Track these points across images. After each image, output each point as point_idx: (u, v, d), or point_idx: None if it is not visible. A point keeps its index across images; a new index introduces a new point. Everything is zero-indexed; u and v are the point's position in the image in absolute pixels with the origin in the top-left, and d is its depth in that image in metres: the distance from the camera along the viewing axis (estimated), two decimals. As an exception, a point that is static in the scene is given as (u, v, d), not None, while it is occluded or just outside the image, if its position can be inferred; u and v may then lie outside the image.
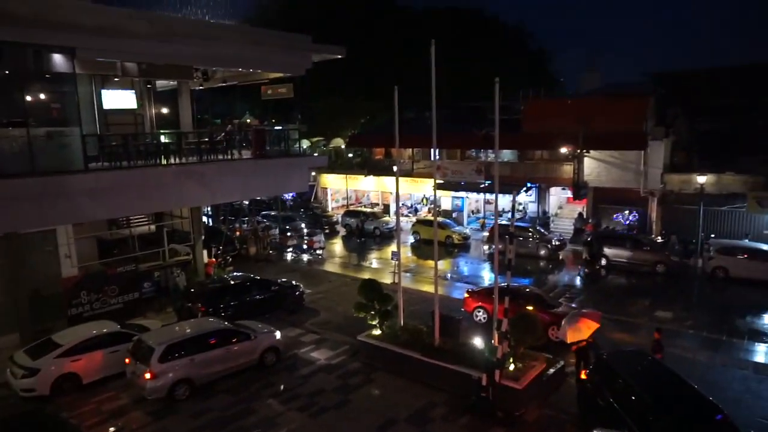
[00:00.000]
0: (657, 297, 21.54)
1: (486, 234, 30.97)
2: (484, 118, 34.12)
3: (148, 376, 13.28)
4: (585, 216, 31.44)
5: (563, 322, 14.44)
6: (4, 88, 15.50)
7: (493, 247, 16.67)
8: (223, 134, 20.29)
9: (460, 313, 18.52)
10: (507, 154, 34.76)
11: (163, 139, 19.69)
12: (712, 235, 26.20)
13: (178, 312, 18.81)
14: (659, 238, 27.92)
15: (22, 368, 13.80)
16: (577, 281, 24.48)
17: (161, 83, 22.46)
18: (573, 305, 18.30)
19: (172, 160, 17.74)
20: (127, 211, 18.02)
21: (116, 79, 19.19)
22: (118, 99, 20.25)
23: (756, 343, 16.79)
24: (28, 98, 15.20)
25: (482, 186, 33.55)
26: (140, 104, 21.17)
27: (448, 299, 21.03)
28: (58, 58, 14.85)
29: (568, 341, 13.87)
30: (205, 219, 33.03)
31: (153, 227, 22.10)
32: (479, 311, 18.80)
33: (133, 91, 20.50)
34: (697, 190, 25.45)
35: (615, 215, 30.69)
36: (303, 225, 33.08)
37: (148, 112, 21.77)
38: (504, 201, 31.78)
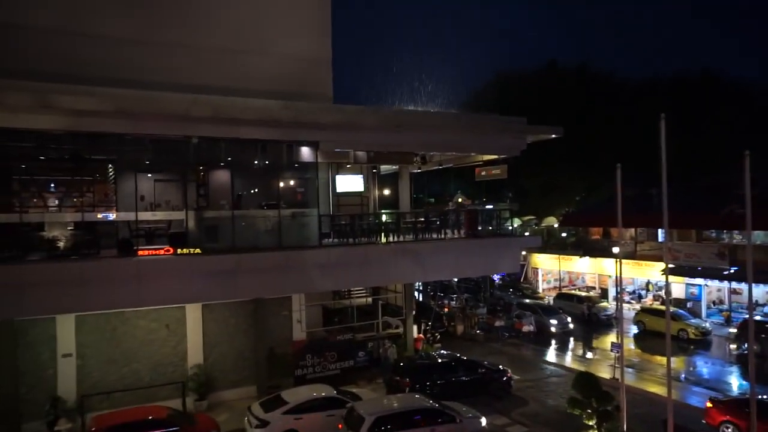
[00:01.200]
0: None
1: (733, 330, 25.98)
2: (728, 193, 29.59)
3: None
4: None
5: None
6: (265, 177, 18.76)
7: (745, 346, 13.79)
8: (438, 214, 21.18)
9: (701, 426, 15.48)
10: (759, 236, 29.32)
11: (383, 218, 21.40)
12: None
13: (387, 384, 19.40)
14: None
15: (257, 419, 15.50)
16: None
17: (384, 168, 24.72)
18: None
19: (390, 238, 19.06)
20: (350, 283, 19.66)
21: (348, 166, 21.73)
22: (349, 183, 22.79)
23: None
24: (281, 184, 18.08)
25: (725, 272, 28.61)
26: (366, 187, 23.50)
27: (682, 405, 17.89)
28: (305, 151, 17.50)
29: None
30: (415, 294, 34.37)
31: (370, 300, 23.66)
32: (728, 427, 15.46)
33: (362, 175, 22.92)
34: None
35: None
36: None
37: (372, 193, 24.01)
38: (759, 292, 26.54)
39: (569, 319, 28.47)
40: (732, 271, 28.10)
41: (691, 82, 50.74)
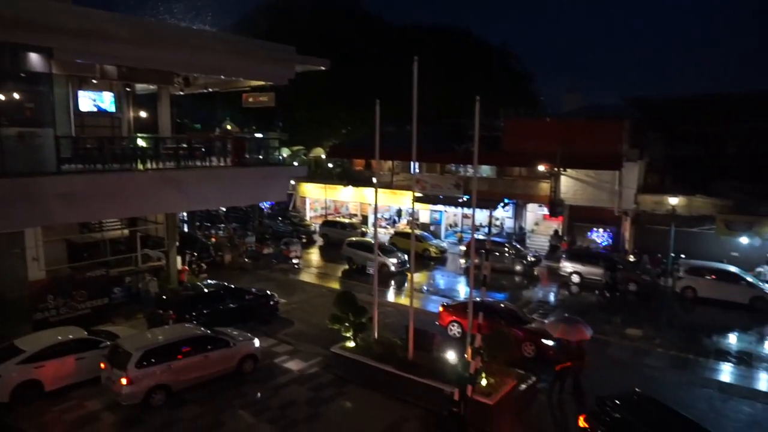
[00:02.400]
0: (628, 315, 21.91)
1: (463, 248, 31.16)
2: (464, 134, 34.52)
3: (124, 381, 13.10)
4: (561, 233, 31.89)
5: (557, 319, 15.01)
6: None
7: (470, 261, 16.77)
8: (203, 141, 20.14)
9: (435, 328, 18.56)
10: (486, 170, 35.14)
11: (140, 143, 19.45)
12: (682, 256, 26.82)
13: (149, 319, 18.45)
14: (631, 257, 28.46)
15: (-18, 374, 13.36)
16: (551, 297, 24.76)
17: (141, 87, 22.23)
18: (545, 321, 18.48)
19: (149, 165, 17.50)
20: (100, 215, 17.70)
21: (94, 82, 18.93)
22: (96, 101, 19.94)
23: (721, 363, 17.18)
24: (1, 97, 14.90)
25: (461, 200, 33.83)
26: (119, 107, 20.90)
27: (424, 313, 21.06)
28: (35, 58, 14.62)
29: (557, 336, 14.36)
30: (180, 224, 32.64)
31: (126, 232, 21.72)
32: (454, 326, 18.87)
33: (112, 93, 20.23)
34: (669, 211, 26.08)
35: (589, 233, 31.21)
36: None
37: (127, 115, 21.51)
38: (482, 216, 32.09)
39: (406, 257, 27.44)
40: (465, 199, 33.34)
41: (446, 31, 56.37)
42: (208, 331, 15.39)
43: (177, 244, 22.28)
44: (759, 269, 25.30)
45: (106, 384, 13.75)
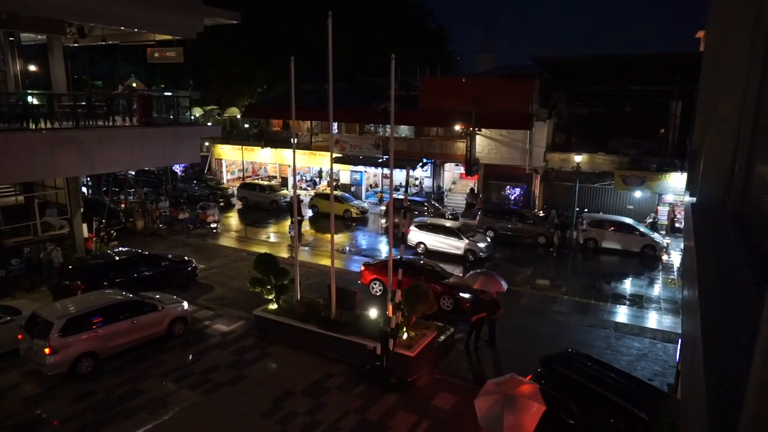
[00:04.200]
0: (538, 267, 23.42)
1: (383, 208, 31.58)
2: (382, 93, 34.41)
3: (47, 351, 12.74)
4: (476, 191, 33.11)
5: (476, 273, 15.76)
6: None
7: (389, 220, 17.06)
8: (105, 98, 18.69)
9: (357, 286, 18.88)
10: (404, 130, 35.45)
11: (31, 100, 17.71)
12: (586, 210, 28.84)
13: (54, 291, 17.32)
14: (541, 212, 30.21)
15: None
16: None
17: (28, 37, 20.08)
18: (461, 275, 19.37)
19: (43, 125, 16.04)
20: (-12, 180, 16.10)
21: (-30, 30, 16.88)
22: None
23: (617, 306, 18.93)
24: None
25: (380, 161, 34.03)
26: (1, 59, 18.82)
27: (346, 272, 21.33)
28: None
29: (476, 287, 15.19)
30: (84, 190, 30.44)
31: (21, 198, 19.97)
32: (375, 283, 19.28)
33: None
34: (574, 168, 27.77)
35: (503, 191, 32.66)
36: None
37: (12, 69, 19.42)
38: (401, 176, 32.53)
39: (489, 238, 25.32)
40: (384, 159, 33.57)
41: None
42: (132, 296, 15.00)
43: (81, 210, 20.83)
44: (648, 219, 27.83)
45: (28, 354, 13.28)
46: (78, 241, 20.42)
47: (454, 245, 23.76)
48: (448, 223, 25.28)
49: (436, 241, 24.12)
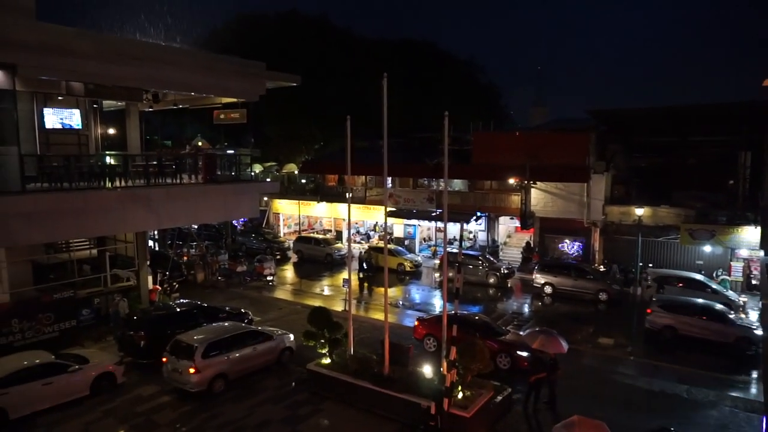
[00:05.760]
0: (599, 324, 22.30)
1: (437, 262, 31.32)
2: (435, 148, 34.90)
3: (192, 370, 14.72)
4: (532, 245, 32.39)
5: (535, 332, 15.31)
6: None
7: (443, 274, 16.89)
8: (173, 158, 19.92)
9: (411, 341, 18.57)
10: (458, 184, 35.57)
11: (108, 161, 19.11)
12: (650, 265, 27.50)
13: (119, 341, 17.98)
14: (601, 267, 29.06)
15: (-58, 403, 12.83)
16: (525, 309, 25.05)
17: (108, 103, 21.91)
18: (521, 333, 18.68)
19: (117, 183, 17.20)
20: (66, 235, 17.25)
21: (60, 98, 18.58)
22: (62, 118, 19.57)
23: (689, 368, 17.57)
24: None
25: (433, 214, 34.09)
26: (85, 124, 20.53)
27: (399, 327, 21.06)
28: (-3, 75, 14.31)
29: (534, 347, 14.62)
30: (151, 243, 32.00)
31: (95, 251, 21.21)
32: (429, 339, 18.90)
33: (78, 110, 19.89)
34: (636, 221, 26.75)
35: (560, 244, 31.78)
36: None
37: (94, 132, 21.13)
38: (454, 229, 32.38)
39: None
40: (437, 212, 33.61)
41: (413, 45, 57.05)
42: (255, 328, 17.74)
43: (147, 263, 21.86)
44: (719, 274, 26.17)
45: (171, 375, 15.33)
46: (143, 292, 21.32)
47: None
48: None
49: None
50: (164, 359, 15.50)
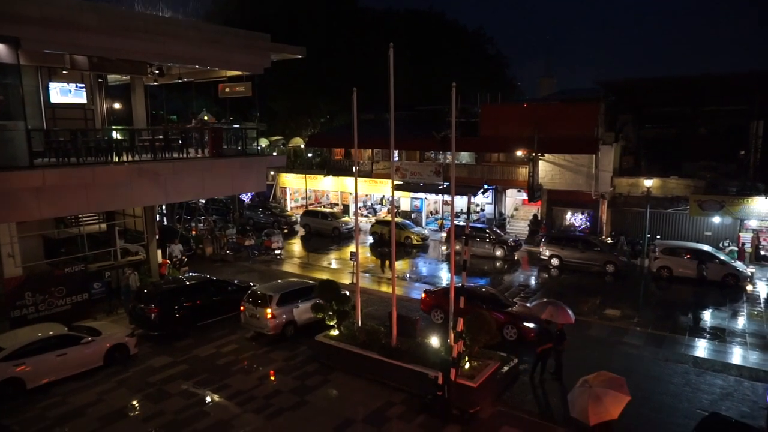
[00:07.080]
0: (606, 296, 22.38)
1: (444, 235, 31.36)
2: (442, 120, 34.57)
3: (269, 316, 16.84)
4: (540, 218, 32.30)
5: (543, 302, 15.61)
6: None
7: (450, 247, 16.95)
8: (179, 132, 19.86)
9: (418, 313, 18.73)
10: (465, 157, 35.32)
11: (115, 135, 19.10)
12: (658, 237, 27.39)
13: (130, 313, 18.28)
14: (609, 239, 28.98)
15: (-40, 374, 13.17)
16: (532, 281, 25.13)
17: (113, 78, 21.78)
18: (527, 305, 18.78)
19: (124, 158, 17.23)
20: (76, 209, 17.35)
21: (64, 73, 18.49)
22: (67, 93, 19.50)
23: (696, 339, 17.67)
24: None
25: (440, 187, 33.98)
26: (90, 99, 20.47)
27: (407, 299, 21.22)
28: (1, 49, 14.20)
29: (543, 317, 14.85)
30: (159, 217, 32.21)
31: (104, 226, 21.39)
32: (436, 311, 19.05)
33: (83, 85, 19.81)
34: (644, 193, 26.50)
35: (570, 216, 31.65)
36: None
37: (99, 107, 21.08)
38: (461, 202, 32.31)
39: None
40: (444, 186, 33.49)
41: (420, 15, 56.00)
42: (309, 282, 19.10)
43: (156, 237, 22.04)
44: (725, 245, 26.07)
45: (248, 320, 17.52)
46: (153, 266, 21.55)
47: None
48: None
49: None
50: (242, 308, 17.67)
